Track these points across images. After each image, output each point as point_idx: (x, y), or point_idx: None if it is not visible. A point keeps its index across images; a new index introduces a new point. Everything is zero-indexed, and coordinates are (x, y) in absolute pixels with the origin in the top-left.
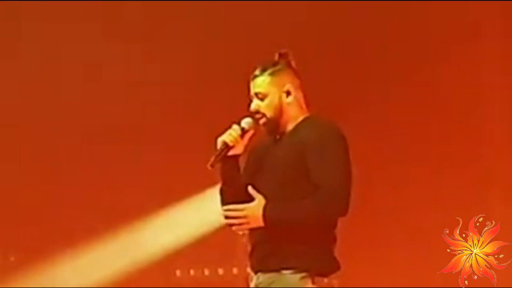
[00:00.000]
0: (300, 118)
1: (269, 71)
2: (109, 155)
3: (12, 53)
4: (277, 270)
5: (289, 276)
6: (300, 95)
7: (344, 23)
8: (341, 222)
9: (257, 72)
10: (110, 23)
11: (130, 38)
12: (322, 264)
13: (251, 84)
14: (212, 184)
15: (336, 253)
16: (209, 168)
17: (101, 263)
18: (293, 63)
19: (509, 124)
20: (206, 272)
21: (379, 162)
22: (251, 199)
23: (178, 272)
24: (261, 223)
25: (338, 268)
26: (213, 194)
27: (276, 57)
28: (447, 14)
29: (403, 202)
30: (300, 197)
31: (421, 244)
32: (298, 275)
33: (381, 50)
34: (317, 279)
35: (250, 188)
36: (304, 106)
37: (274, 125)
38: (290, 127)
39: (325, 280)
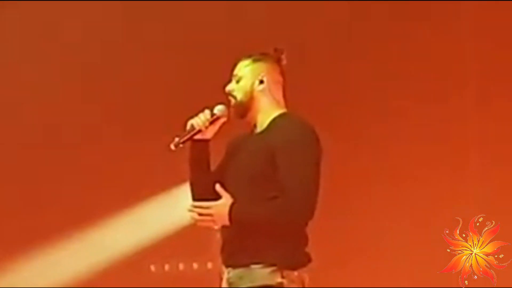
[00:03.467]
0: (275, 114)
1: (253, 57)
2: (85, 149)
3: None
4: (246, 265)
5: (258, 271)
6: (276, 90)
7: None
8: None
9: (244, 57)
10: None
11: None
12: (292, 258)
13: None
14: (187, 178)
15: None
16: (172, 148)
17: (75, 260)
18: (283, 61)
19: (509, 123)
20: (181, 266)
21: (378, 161)
22: (219, 196)
23: (152, 267)
24: (226, 222)
25: (309, 261)
26: (188, 189)
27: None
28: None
29: (402, 202)
30: (267, 195)
31: (421, 244)
32: (267, 269)
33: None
34: (286, 272)
35: (217, 186)
36: (281, 102)
37: (242, 108)
38: (264, 121)
39: (295, 273)
